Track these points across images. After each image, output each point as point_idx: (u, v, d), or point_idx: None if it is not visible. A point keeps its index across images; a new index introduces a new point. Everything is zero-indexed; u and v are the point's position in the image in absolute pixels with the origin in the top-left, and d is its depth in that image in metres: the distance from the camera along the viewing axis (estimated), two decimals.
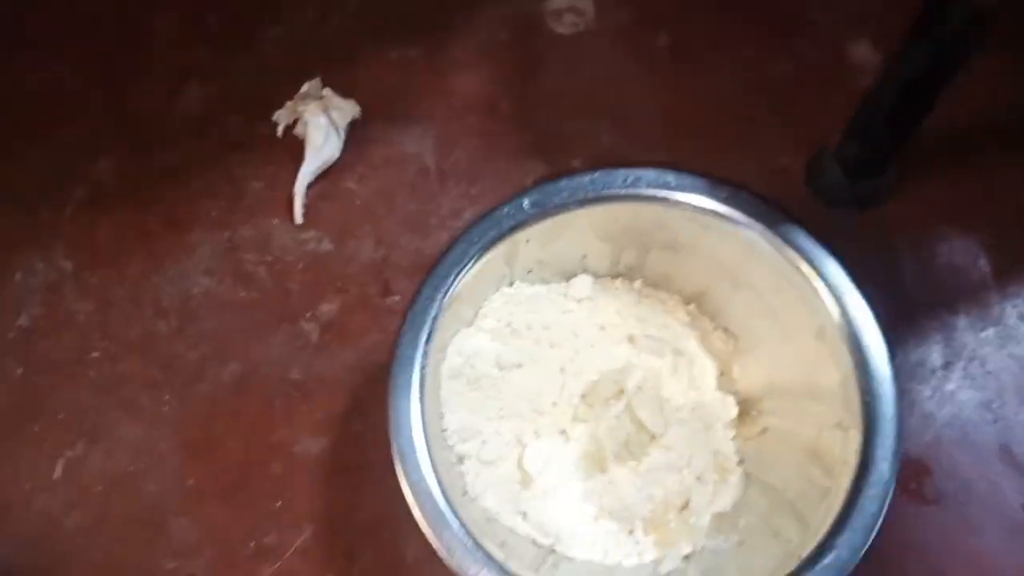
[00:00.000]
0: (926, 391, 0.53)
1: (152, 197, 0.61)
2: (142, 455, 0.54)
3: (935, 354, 0.54)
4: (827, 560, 0.39)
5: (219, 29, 0.68)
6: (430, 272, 0.46)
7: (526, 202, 0.47)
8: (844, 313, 0.44)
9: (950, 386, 0.53)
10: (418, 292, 0.45)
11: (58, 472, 0.53)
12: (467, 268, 0.46)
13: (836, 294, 0.44)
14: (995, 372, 0.53)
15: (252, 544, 0.51)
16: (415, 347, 0.44)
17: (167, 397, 0.55)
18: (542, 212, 0.47)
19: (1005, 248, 0.56)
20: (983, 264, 0.56)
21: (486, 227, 0.47)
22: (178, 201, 0.61)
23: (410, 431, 0.43)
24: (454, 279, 0.46)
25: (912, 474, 0.51)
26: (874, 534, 0.40)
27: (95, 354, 0.57)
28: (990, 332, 0.54)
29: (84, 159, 0.63)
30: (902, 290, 0.56)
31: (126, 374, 0.56)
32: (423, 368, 0.44)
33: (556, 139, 0.61)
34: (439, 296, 0.45)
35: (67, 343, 0.57)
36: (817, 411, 0.46)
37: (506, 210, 0.47)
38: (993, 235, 0.57)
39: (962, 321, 0.55)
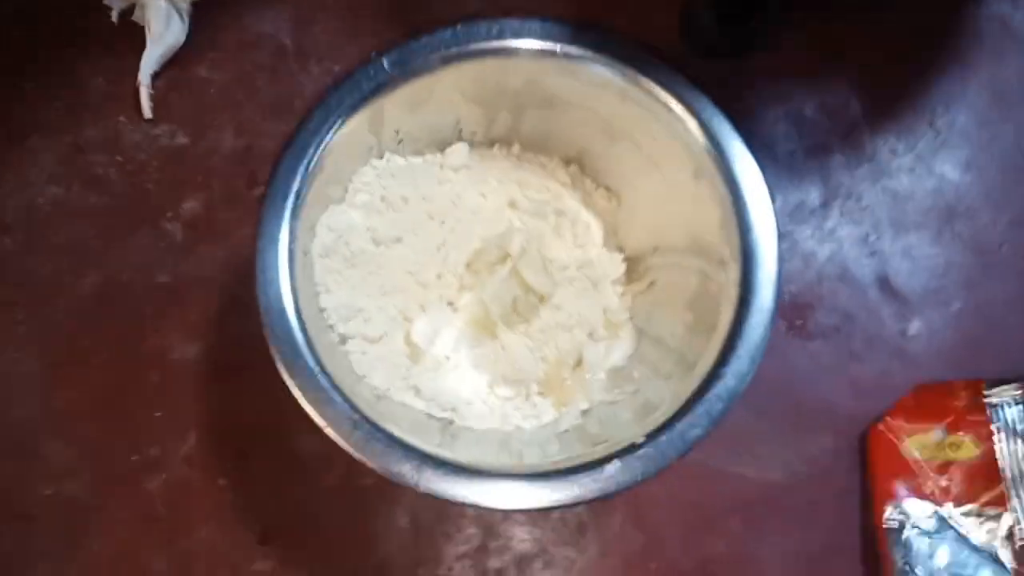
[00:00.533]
0: (807, 231, 0.54)
1: None
2: (2, 380, 0.49)
3: (813, 195, 0.55)
4: (715, 389, 0.40)
5: None
6: (287, 144, 0.43)
7: (385, 62, 0.44)
8: (718, 146, 0.43)
9: (829, 224, 0.54)
10: (276, 166, 0.42)
11: None
12: (328, 137, 0.43)
13: (708, 130, 0.44)
14: (871, 206, 0.54)
15: (135, 458, 0.48)
16: (278, 225, 0.41)
17: (22, 316, 0.51)
18: (404, 72, 0.44)
19: (874, 86, 0.57)
20: (854, 105, 0.57)
21: (344, 92, 0.44)
22: (9, 105, 0.55)
23: (283, 311, 0.40)
24: (315, 149, 0.43)
25: (796, 312, 0.52)
26: (758, 359, 0.40)
27: None
28: (864, 169, 0.55)
29: None
30: (779, 135, 0.56)
31: None
32: (291, 244, 0.41)
33: (421, 8, 0.57)
34: (300, 168, 0.42)
35: None
36: (700, 258, 0.46)
37: (365, 72, 0.44)
38: (863, 77, 0.57)
39: (837, 160, 0.55)
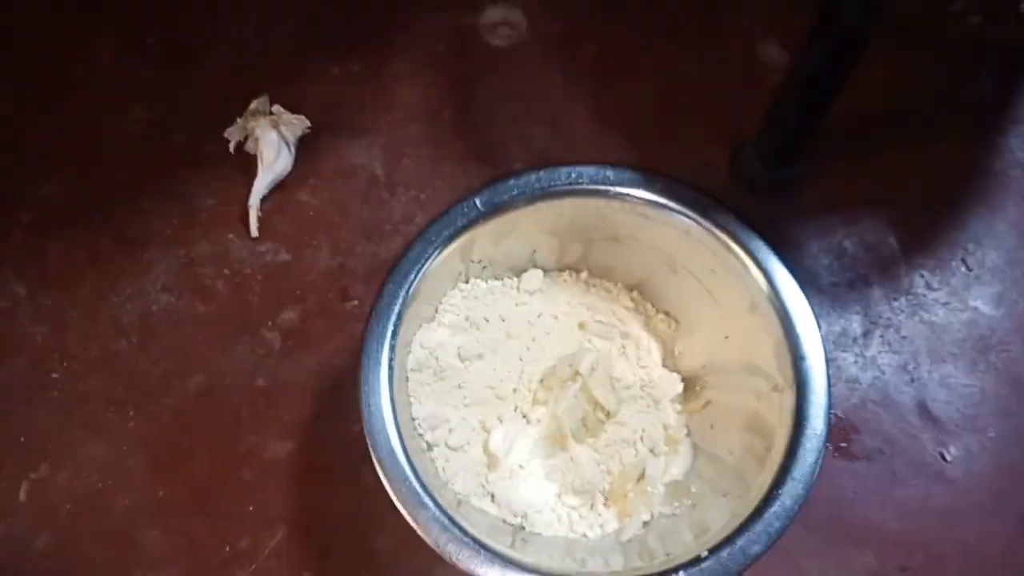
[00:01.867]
0: (850, 358, 0.58)
1: (102, 218, 0.62)
2: (109, 472, 0.54)
3: (855, 324, 0.59)
4: (773, 508, 0.43)
5: (159, 49, 0.69)
6: (391, 270, 0.48)
7: (478, 201, 0.50)
8: (772, 286, 0.48)
9: (871, 351, 0.58)
10: (381, 290, 0.48)
11: (23, 495, 0.54)
12: (426, 265, 0.49)
13: (764, 269, 0.49)
14: (909, 337, 0.59)
15: (226, 549, 0.52)
16: (381, 343, 0.47)
17: (132, 413, 0.56)
18: (493, 209, 0.50)
19: (910, 224, 0.62)
20: (891, 241, 0.62)
21: (442, 226, 0.50)
22: (129, 221, 0.62)
23: (383, 421, 0.45)
24: (415, 276, 0.48)
25: (841, 435, 0.56)
26: (812, 482, 0.44)
27: (55, 375, 0.57)
28: (902, 301, 0.60)
29: (29, 184, 0.63)
30: (822, 268, 0.61)
31: (88, 393, 0.56)
32: (391, 361, 0.47)
33: (496, 144, 0.64)
34: (401, 292, 0.48)
35: (24, 366, 0.57)
36: (754, 381, 0.50)
37: (460, 209, 0.50)
38: (899, 213, 0.63)
39: (877, 292, 0.60)
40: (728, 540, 0.43)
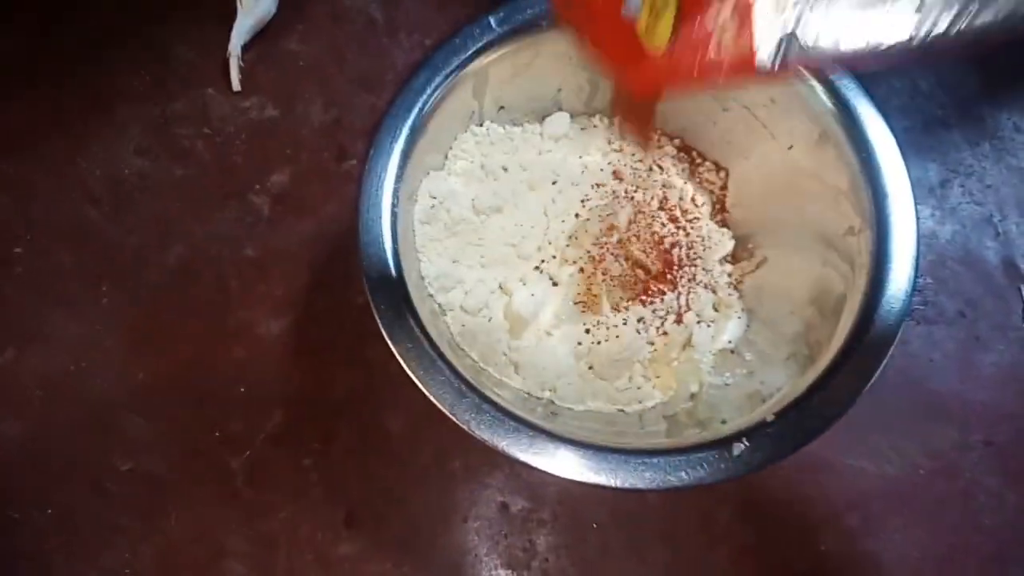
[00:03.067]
0: (926, 210, 0.50)
1: (67, 72, 0.54)
2: (83, 353, 0.48)
3: (932, 172, 0.51)
4: (849, 365, 0.36)
5: None
6: (393, 101, 0.41)
7: (493, 20, 0.42)
8: (846, 109, 0.40)
9: (950, 203, 0.50)
10: (381, 124, 0.40)
11: None
12: (433, 96, 0.41)
13: (834, 91, 0.41)
14: (994, 185, 0.51)
15: (216, 434, 0.46)
16: (382, 184, 0.40)
17: (105, 288, 0.49)
18: (511, 31, 0.42)
19: (995, 59, 0.53)
20: (972, 78, 0.53)
21: (451, 51, 0.42)
22: (98, 76, 0.54)
23: (388, 271, 0.38)
24: (421, 108, 0.41)
25: (917, 296, 0.49)
26: (897, 335, 0.37)
27: (18, 249, 0.50)
28: (986, 146, 0.52)
29: None
30: (892, 109, 0.52)
31: (56, 267, 0.50)
32: (394, 208, 0.39)
33: None
34: (405, 127, 0.40)
35: None
36: (823, 227, 0.42)
37: (471, 31, 0.42)
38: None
39: (956, 136, 0.52)
40: (797, 403, 0.36)
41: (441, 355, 0.37)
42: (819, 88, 0.41)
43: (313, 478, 0.46)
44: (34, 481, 0.46)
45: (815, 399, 0.36)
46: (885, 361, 0.36)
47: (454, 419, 0.36)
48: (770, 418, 0.36)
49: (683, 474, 0.35)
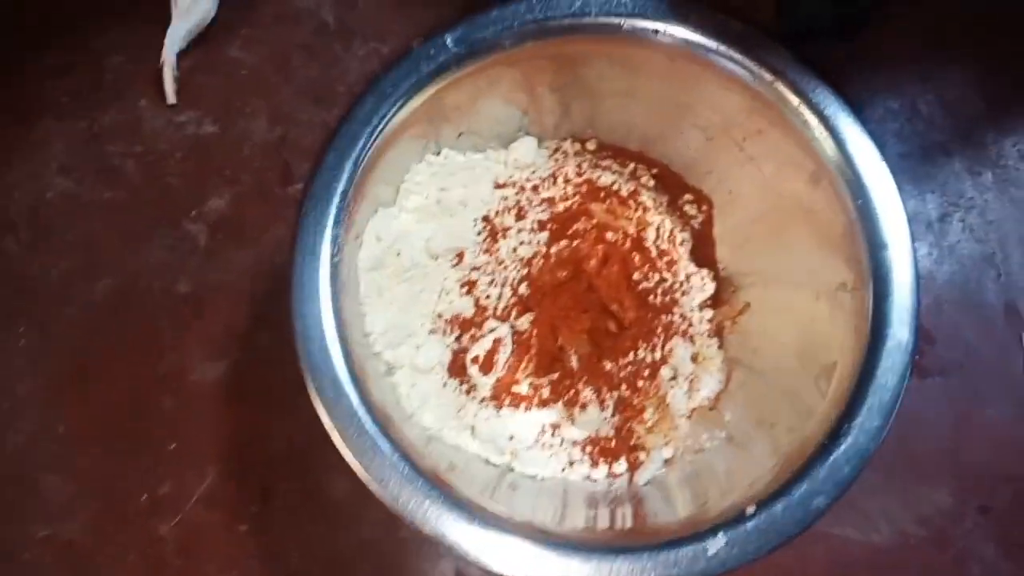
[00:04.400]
0: (923, 248, 0.46)
1: None
2: None
3: (930, 205, 0.47)
4: (842, 447, 0.33)
5: None
6: (334, 135, 0.36)
7: (449, 39, 0.37)
8: (842, 150, 0.36)
9: (949, 239, 0.46)
10: (320, 162, 0.36)
11: None
12: (381, 127, 0.36)
13: (832, 128, 0.37)
14: (997, 221, 0.47)
15: (144, 497, 0.42)
16: (320, 232, 0.35)
17: (23, 328, 0.45)
18: (470, 51, 0.38)
19: (1001, 80, 0.49)
20: (975, 100, 0.49)
21: (401, 74, 0.37)
22: (18, 86, 0.49)
23: (322, 338, 0.34)
24: (366, 143, 0.36)
25: None
26: (894, 412, 0.33)
27: None
28: (988, 176, 0.47)
29: None
30: (889, 133, 0.48)
31: None
32: (333, 258, 0.35)
33: None
34: (347, 164, 0.36)
35: None
36: (812, 277, 0.38)
37: (425, 51, 0.37)
38: (985, 67, 0.50)
39: (957, 165, 0.48)
40: (783, 490, 0.32)
41: (384, 432, 0.33)
42: (814, 120, 0.37)
43: (250, 545, 0.42)
44: None
45: (801, 488, 0.32)
46: (879, 443, 0.33)
47: (398, 511, 0.32)
48: (751, 510, 0.32)
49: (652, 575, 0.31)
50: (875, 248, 0.35)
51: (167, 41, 0.48)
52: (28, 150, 0.48)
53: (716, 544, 0.31)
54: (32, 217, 0.47)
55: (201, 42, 0.49)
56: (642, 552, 0.31)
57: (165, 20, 0.49)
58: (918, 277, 0.35)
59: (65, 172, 0.48)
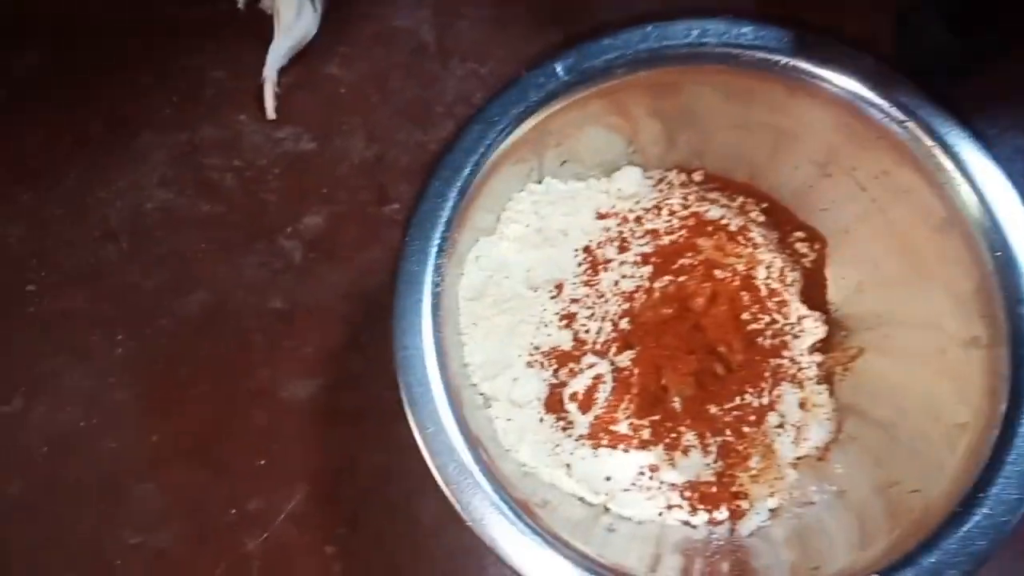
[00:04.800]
0: None
1: (90, 95, 0.50)
2: (94, 408, 0.44)
3: None
4: (975, 519, 0.30)
5: None
6: (439, 162, 0.35)
7: (559, 67, 0.36)
8: (979, 195, 0.34)
9: None
10: (425, 189, 0.35)
11: None
12: (486, 155, 0.35)
13: (966, 172, 0.34)
14: None
15: (232, 511, 0.42)
16: (424, 261, 0.34)
17: (120, 336, 0.45)
18: (580, 79, 0.37)
19: None
20: None
21: (508, 102, 0.36)
22: (122, 99, 0.50)
23: (423, 369, 0.33)
24: (471, 170, 0.35)
25: None
26: None
27: (31, 287, 0.46)
28: None
29: (2, 50, 0.51)
30: (1017, 172, 0.45)
31: (70, 310, 0.46)
32: (436, 287, 0.34)
33: (584, 3, 0.49)
34: (452, 193, 0.35)
35: None
36: (935, 328, 0.36)
37: (534, 79, 0.36)
38: None
39: None
40: (909, 559, 0.30)
41: (485, 470, 0.32)
42: (949, 165, 0.35)
43: (336, 569, 0.41)
44: (32, 547, 0.42)
45: (930, 558, 0.30)
46: (1020, 516, 0.30)
47: (499, 553, 0.31)
48: None
49: None
50: (1013, 304, 0.33)
51: (269, 57, 0.48)
52: (130, 161, 0.49)
53: None
54: (132, 227, 0.47)
55: (301, 59, 0.50)
56: None
57: (266, 37, 0.49)
58: None
59: (165, 184, 0.48)
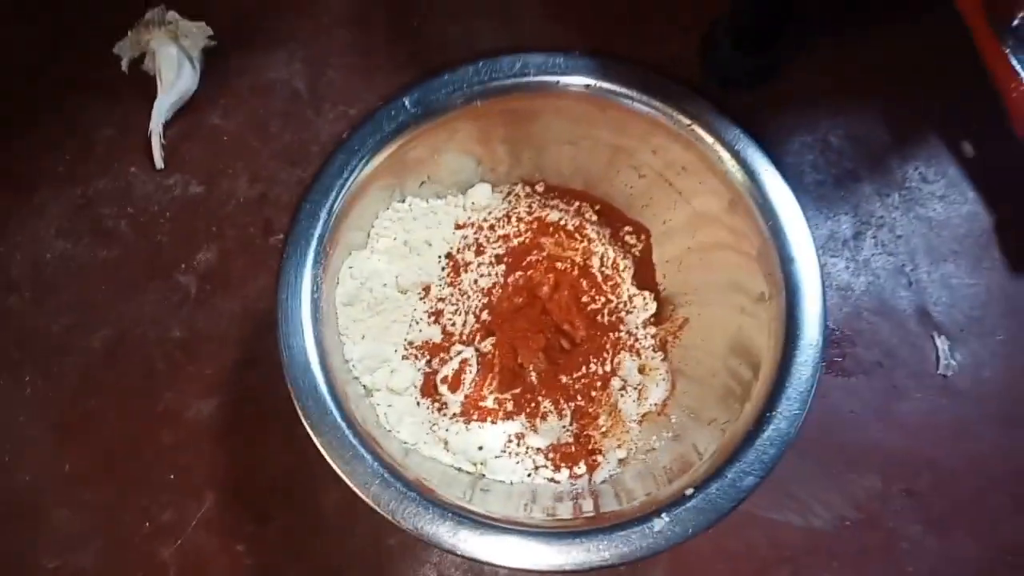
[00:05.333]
0: (840, 263, 0.52)
1: None
2: (7, 445, 0.47)
3: (845, 225, 0.53)
4: (766, 433, 0.37)
5: None
6: (309, 187, 0.41)
7: (407, 101, 0.43)
8: (753, 179, 0.42)
9: (863, 254, 0.52)
10: (298, 211, 0.41)
11: None
12: (351, 179, 0.41)
13: (742, 161, 0.42)
14: (905, 236, 0.53)
15: (147, 525, 0.46)
16: (300, 272, 0.40)
17: (28, 376, 0.49)
18: (427, 111, 0.43)
19: (902, 112, 0.55)
20: (880, 131, 0.55)
21: (366, 133, 0.42)
22: (14, 158, 0.54)
23: (307, 364, 0.38)
24: (338, 192, 0.41)
25: (835, 348, 0.50)
26: (809, 400, 0.38)
27: None
28: (895, 197, 0.53)
29: None
30: (805, 164, 0.54)
31: None
32: (313, 294, 0.40)
33: (437, 47, 0.56)
34: (322, 213, 0.41)
35: None
36: (736, 292, 0.44)
37: (387, 112, 0.43)
38: (889, 100, 0.56)
39: (867, 189, 0.54)
40: (716, 473, 0.37)
41: (365, 444, 0.37)
42: (726, 156, 0.42)
43: (248, 563, 0.45)
44: None
45: (732, 469, 0.37)
46: (798, 426, 0.38)
47: (379, 510, 0.36)
48: (689, 491, 0.37)
49: (606, 554, 0.35)
50: (785, 262, 0.41)
51: (154, 112, 0.53)
52: (28, 216, 0.52)
53: (660, 523, 0.36)
54: (34, 276, 0.51)
55: (186, 112, 0.55)
56: (596, 534, 0.36)
57: (151, 94, 0.54)
58: (824, 284, 0.40)
59: (63, 235, 0.52)
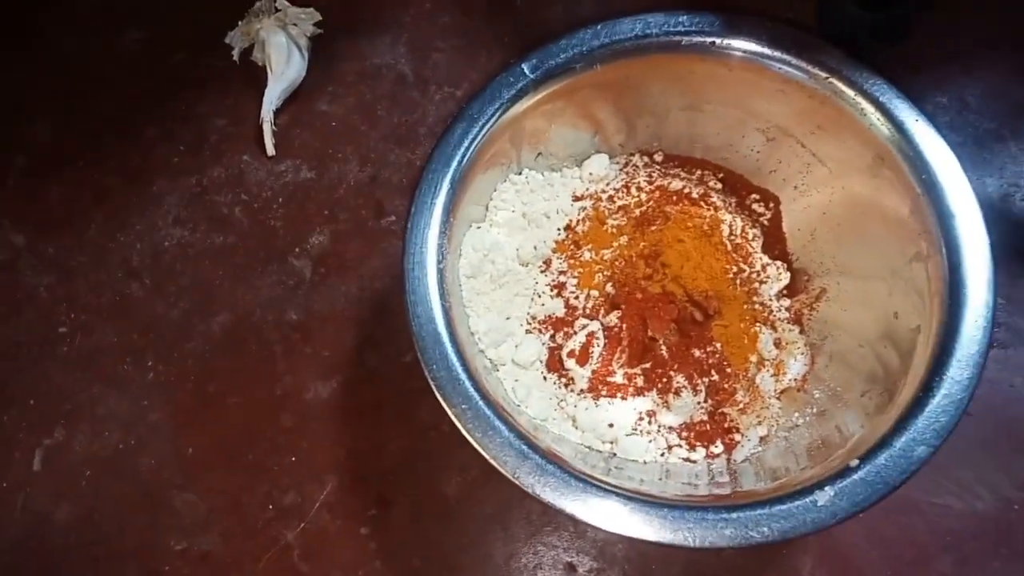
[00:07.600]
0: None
1: (102, 152, 0.55)
2: (131, 430, 0.47)
3: (991, 188, 0.49)
4: (936, 399, 0.34)
5: None
6: (431, 157, 0.40)
7: (525, 67, 0.42)
8: (902, 132, 0.39)
9: (1013, 219, 0.48)
10: (421, 180, 0.40)
11: (37, 464, 0.47)
12: (471, 147, 0.40)
13: (888, 114, 0.39)
14: None
15: (270, 508, 0.45)
16: (424, 241, 0.39)
17: (151, 362, 0.49)
18: (545, 76, 0.42)
19: None
20: (1018, 85, 0.51)
21: (484, 101, 0.41)
22: (132, 152, 0.55)
23: (436, 334, 0.37)
24: (461, 160, 0.40)
25: None
26: (982, 362, 0.35)
27: (63, 329, 0.50)
28: None
29: (17, 125, 0.56)
30: (942, 126, 0.50)
31: (101, 345, 0.50)
32: (439, 264, 0.38)
33: (540, 22, 0.55)
34: (444, 182, 0.39)
35: (29, 321, 0.51)
36: (883, 254, 0.40)
37: (504, 79, 0.41)
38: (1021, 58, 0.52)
39: (1012, 148, 0.50)
40: (883, 443, 0.34)
41: (498, 414, 0.36)
42: (870, 108, 0.40)
43: (372, 547, 0.44)
44: (85, 566, 0.45)
45: (901, 439, 0.34)
46: (972, 392, 0.34)
47: (518, 483, 0.34)
48: (854, 463, 0.34)
49: (765, 529, 0.33)
50: (944, 217, 0.37)
51: (264, 101, 0.54)
52: (146, 207, 0.53)
53: (824, 496, 0.33)
54: (154, 265, 0.51)
55: (294, 100, 0.55)
56: (755, 507, 0.33)
57: (260, 84, 0.54)
58: (991, 240, 0.37)
59: (180, 223, 0.52)
